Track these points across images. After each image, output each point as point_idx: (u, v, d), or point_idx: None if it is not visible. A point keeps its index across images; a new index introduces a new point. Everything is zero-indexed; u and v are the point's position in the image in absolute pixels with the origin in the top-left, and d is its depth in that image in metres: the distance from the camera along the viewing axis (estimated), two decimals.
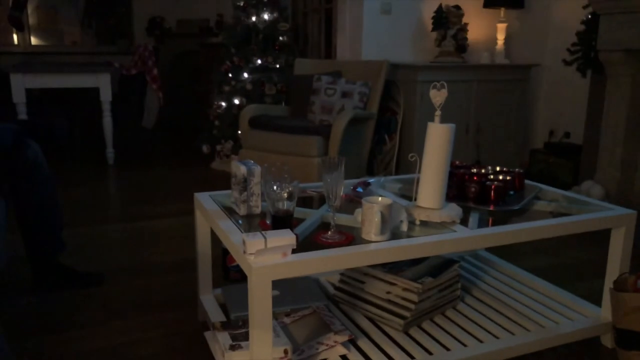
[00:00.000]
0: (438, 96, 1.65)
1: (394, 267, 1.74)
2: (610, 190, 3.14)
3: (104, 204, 3.39)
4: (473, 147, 3.96)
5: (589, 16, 3.23)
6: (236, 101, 4.30)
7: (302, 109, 3.78)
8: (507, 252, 2.47)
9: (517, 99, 4.04)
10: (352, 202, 1.74)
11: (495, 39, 4.02)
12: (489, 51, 4.00)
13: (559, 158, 3.81)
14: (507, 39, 4.05)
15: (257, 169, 1.56)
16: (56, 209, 2.07)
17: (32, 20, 6.43)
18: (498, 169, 1.98)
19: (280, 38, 4.39)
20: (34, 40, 6.47)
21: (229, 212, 1.59)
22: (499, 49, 3.99)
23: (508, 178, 1.86)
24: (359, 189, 1.87)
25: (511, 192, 1.86)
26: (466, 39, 3.89)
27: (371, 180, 1.99)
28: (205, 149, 4.47)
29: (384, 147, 3.92)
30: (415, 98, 3.72)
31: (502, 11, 3.97)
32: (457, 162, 2.03)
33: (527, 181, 2.02)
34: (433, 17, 3.89)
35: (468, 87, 3.85)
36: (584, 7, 3.24)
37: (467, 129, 3.91)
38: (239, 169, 1.56)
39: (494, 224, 1.59)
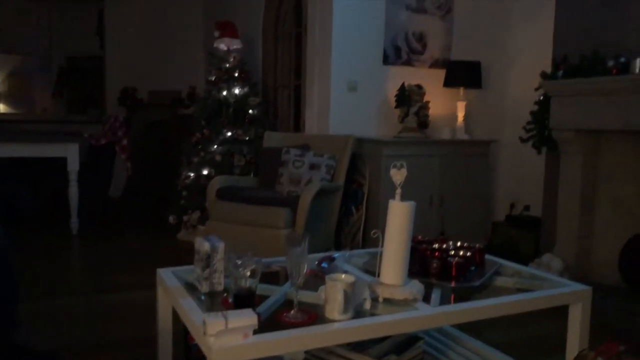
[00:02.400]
0: (398, 175, 1.71)
1: (359, 345, 1.74)
2: (569, 263, 3.23)
3: (65, 276, 3.29)
4: (438, 219, 4.05)
5: (541, 97, 3.45)
6: (205, 172, 4.34)
7: (270, 181, 3.84)
8: (470, 325, 2.47)
9: (478, 173, 4.19)
10: (317, 278, 1.75)
11: (456, 115, 4.22)
12: (450, 127, 4.18)
13: (520, 230, 3.92)
14: (467, 116, 4.26)
15: (221, 245, 1.57)
16: (10, 283, 2.01)
17: (2, 87, 6.46)
18: (459, 244, 2.04)
19: (251, 111, 4.52)
20: (3, 108, 6.47)
21: (191, 289, 1.58)
22: (460, 125, 4.18)
23: (468, 254, 1.91)
24: (324, 264, 1.89)
25: (472, 268, 1.91)
26: (428, 115, 4.07)
27: (336, 255, 2.02)
28: (172, 219, 4.45)
29: (351, 218, 3.97)
30: (381, 171, 3.83)
31: (462, 90, 4.20)
32: (420, 237, 2.08)
33: (487, 256, 2.08)
34: (396, 95, 4.07)
35: (431, 161, 3.99)
36: (536, 89, 3.46)
37: (431, 202, 4.01)
38: (203, 245, 1.57)
39: (456, 300, 1.62)
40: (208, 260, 1.54)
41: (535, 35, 4.18)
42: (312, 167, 3.71)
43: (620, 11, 3.08)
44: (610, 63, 2.94)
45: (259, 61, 5.17)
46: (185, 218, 4.38)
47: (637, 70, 2.77)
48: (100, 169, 5.24)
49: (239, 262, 1.38)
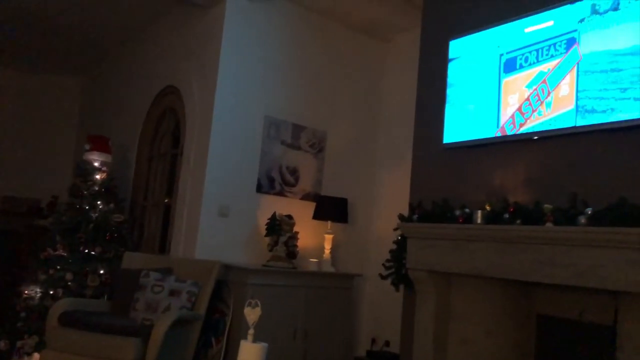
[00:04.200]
0: (252, 314, 1.67)
1: None
2: None
3: None
4: (301, 353, 3.95)
5: (399, 237, 3.67)
6: (52, 292, 3.92)
7: (124, 306, 3.55)
8: None
9: (342, 307, 4.24)
10: None
11: (324, 248, 4.33)
12: (317, 259, 4.26)
13: None
14: (334, 249, 4.39)
15: None
16: None
17: None
18: None
19: (114, 228, 4.28)
20: None
21: None
22: (326, 257, 4.29)
23: None
24: None
25: None
26: (296, 246, 4.13)
27: None
28: (2, 345, 3.87)
29: (210, 350, 3.74)
30: (246, 300, 3.70)
31: (329, 224, 4.36)
32: None
33: None
34: (267, 224, 4.12)
35: (297, 292, 3.98)
36: (395, 230, 3.69)
37: (294, 334, 3.92)
38: None
39: None
40: None
41: (396, 179, 4.57)
42: (173, 293, 3.51)
43: (461, 171, 3.49)
44: (457, 212, 3.25)
45: (130, 177, 5.02)
46: (19, 344, 3.84)
47: (478, 221, 3.08)
48: None
49: None
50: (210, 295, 3.63)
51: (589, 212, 2.59)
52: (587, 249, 2.58)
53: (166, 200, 4.74)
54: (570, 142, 2.94)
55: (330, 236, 4.35)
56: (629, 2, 2.68)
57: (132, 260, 3.89)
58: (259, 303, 1.61)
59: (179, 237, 4.23)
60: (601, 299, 2.79)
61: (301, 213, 4.37)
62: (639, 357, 2.50)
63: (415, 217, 3.50)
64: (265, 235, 4.15)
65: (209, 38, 4.33)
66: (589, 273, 2.57)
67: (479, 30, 3.41)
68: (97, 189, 4.33)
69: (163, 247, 4.59)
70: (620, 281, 2.45)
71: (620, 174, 2.71)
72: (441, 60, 3.67)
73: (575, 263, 2.62)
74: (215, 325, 3.78)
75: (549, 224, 2.73)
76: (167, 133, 4.95)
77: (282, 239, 4.09)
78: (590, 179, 2.82)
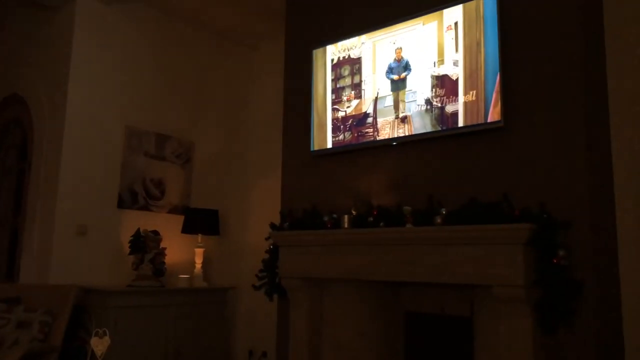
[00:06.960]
0: (100, 344, 1.52)
1: None
2: None
3: None
4: None
5: (271, 246, 3.63)
6: None
7: None
8: None
9: (216, 321, 4.11)
10: None
11: (194, 262, 4.16)
12: (187, 275, 4.08)
13: None
14: (206, 263, 4.23)
15: None
16: None
17: None
18: None
19: None
20: None
21: None
22: (197, 272, 4.12)
23: None
24: None
25: None
26: (164, 262, 3.92)
27: None
28: None
29: None
30: (109, 325, 3.41)
31: (200, 237, 4.20)
32: None
33: None
34: (130, 241, 3.86)
35: (167, 311, 3.78)
36: (267, 239, 3.64)
37: (166, 356, 3.71)
38: None
39: None
40: None
41: (268, 188, 4.52)
42: (21, 325, 3.16)
43: (329, 177, 3.56)
44: (326, 218, 3.29)
45: None
46: None
47: (345, 226, 3.14)
48: None
49: None
50: (68, 323, 3.31)
51: (444, 212, 2.75)
52: (442, 247, 2.73)
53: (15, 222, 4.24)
54: (426, 147, 3.11)
55: (201, 250, 4.19)
56: None
57: None
58: (107, 332, 1.46)
59: (29, 261, 3.81)
60: (459, 293, 2.98)
61: (169, 227, 4.16)
62: (491, 342, 2.70)
63: (286, 225, 3.49)
64: (129, 254, 3.88)
65: (57, 42, 3.97)
66: (444, 269, 2.72)
67: (340, 40, 3.51)
68: None
69: (11, 273, 4.10)
70: (469, 275, 2.63)
71: (470, 175, 2.91)
72: (306, 68, 3.71)
73: (432, 261, 2.77)
74: (75, 355, 3.44)
75: (408, 225, 2.86)
76: (15, 145, 4.44)
77: (148, 256, 3.86)
78: (445, 181, 3.00)
